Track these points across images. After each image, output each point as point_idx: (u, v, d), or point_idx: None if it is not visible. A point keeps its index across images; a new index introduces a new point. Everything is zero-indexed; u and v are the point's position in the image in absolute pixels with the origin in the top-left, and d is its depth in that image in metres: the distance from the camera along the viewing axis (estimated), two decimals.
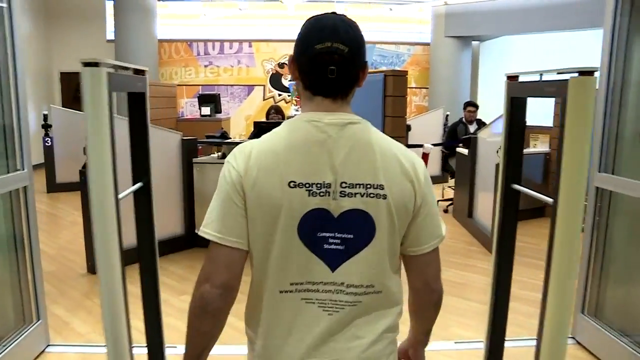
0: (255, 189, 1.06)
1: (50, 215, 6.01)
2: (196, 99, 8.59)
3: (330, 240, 1.09)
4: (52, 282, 3.73)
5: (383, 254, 1.12)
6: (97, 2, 9.97)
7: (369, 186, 1.07)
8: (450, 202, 6.14)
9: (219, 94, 7.78)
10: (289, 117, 5.26)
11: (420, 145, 5.34)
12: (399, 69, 9.76)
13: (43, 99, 10.10)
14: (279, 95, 9.94)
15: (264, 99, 10.00)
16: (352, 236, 1.09)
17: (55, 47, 10.35)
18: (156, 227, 1.93)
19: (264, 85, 9.98)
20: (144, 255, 1.92)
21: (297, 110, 8.89)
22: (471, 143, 5.26)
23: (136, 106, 1.83)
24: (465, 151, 5.50)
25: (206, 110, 7.30)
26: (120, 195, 1.47)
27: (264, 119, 5.41)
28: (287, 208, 1.06)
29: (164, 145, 4.23)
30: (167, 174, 4.25)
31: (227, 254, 1.08)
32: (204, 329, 1.11)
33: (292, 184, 1.06)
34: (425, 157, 5.31)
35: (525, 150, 5.55)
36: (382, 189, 1.08)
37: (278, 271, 1.10)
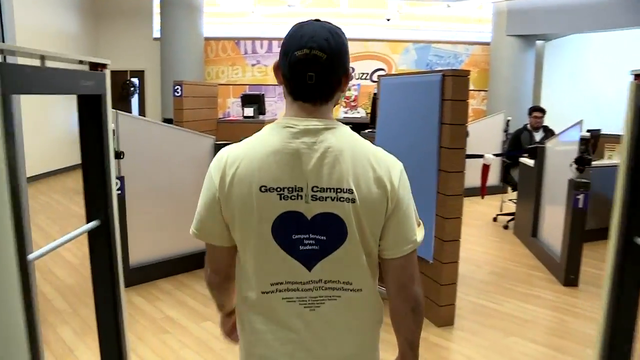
0: (228, 196, 1.16)
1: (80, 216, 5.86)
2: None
3: (305, 242, 1.17)
4: (68, 297, 3.54)
5: (358, 253, 1.19)
6: (145, 1, 10.05)
7: (339, 190, 1.14)
8: (511, 217, 5.64)
9: (263, 94, 7.55)
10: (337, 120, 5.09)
11: (480, 156, 4.97)
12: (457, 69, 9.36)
13: None
14: None
15: None
16: (324, 238, 1.17)
17: (103, 46, 10.47)
18: (122, 264, 1.60)
19: None
20: (101, 311, 1.53)
21: (346, 113, 8.71)
22: (538, 153, 4.83)
23: (88, 115, 1.36)
24: (530, 162, 5.04)
25: (249, 111, 7.09)
26: (60, 241, 1.14)
27: None
28: (258, 212, 1.15)
29: (194, 150, 4.01)
30: (197, 180, 3.71)
31: (212, 249, 1.26)
32: (215, 296, 1.39)
33: (263, 189, 1.14)
34: (485, 169, 4.95)
35: (599, 163, 5.08)
36: (352, 193, 1.14)
37: (258, 272, 1.20)
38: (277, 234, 1.16)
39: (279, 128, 1.17)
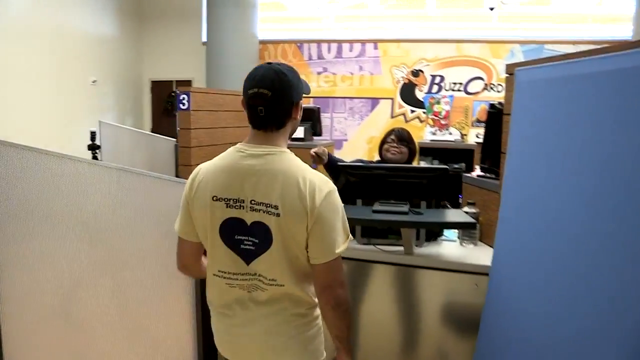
0: (194, 201, 1.76)
1: None
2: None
3: (245, 242, 1.73)
4: None
5: (282, 255, 1.71)
6: (194, 0, 9.47)
7: (268, 205, 1.67)
8: None
9: (319, 109, 6.26)
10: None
11: None
12: None
13: (130, 111, 9.99)
14: (412, 111, 8.68)
15: (392, 116, 8.78)
16: (258, 241, 1.71)
17: (146, 52, 9.99)
18: None
19: (392, 99, 8.80)
20: None
21: (434, 134, 7.81)
22: None
23: None
24: None
25: (299, 132, 5.68)
26: None
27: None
28: (211, 216, 1.73)
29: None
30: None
31: (181, 244, 1.87)
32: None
33: (214, 198, 1.71)
34: None
35: None
36: (277, 208, 1.66)
37: (211, 260, 1.81)
38: (224, 234, 1.74)
39: (234, 151, 1.75)
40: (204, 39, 8.87)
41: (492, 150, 3.00)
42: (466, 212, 2.79)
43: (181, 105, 4.79)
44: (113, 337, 2.62)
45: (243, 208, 1.69)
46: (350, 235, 1.79)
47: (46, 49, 7.76)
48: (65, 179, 2.57)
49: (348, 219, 1.77)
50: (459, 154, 7.14)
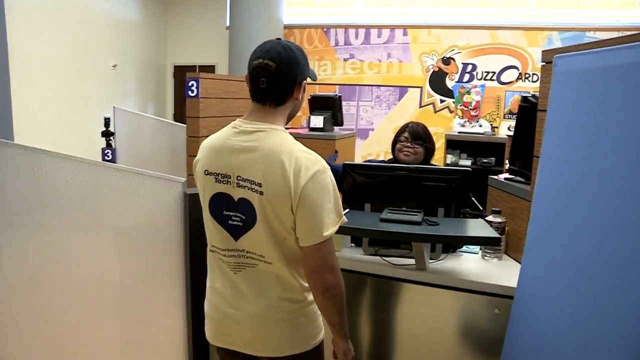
0: (196, 174, 1.81)
1: None
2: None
3: (233, 218, 1.71)
4: None
5: (267, 234, 1.67)
6: None
7: (252, 182, 1.65)
8: None
9: (340, 97, 5.74)
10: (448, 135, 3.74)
11: None
12: None
13: (152, 97, 9.74)
14: (441, 101, 8.23)
15: (421, 106, 8.31)
16: (245, 217, 1.69)
17: (170, 36, 9.72)
18: None
19: (421, 87, 8.30)
20: None
21: (462, 125, 7.33)
22: None
23: None
24: None
25: (317, 121, 5.42)
26: None
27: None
28: (203, 189, 1.77)
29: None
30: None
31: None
32: None
33: (206, 172, 1.74)
34: None
35: None
36: (260, 186, 1.63)
37: (206, 234, 1.83)
38: (213, 208, 1.75)
39: (230, 127, 1.75)
40: (229, 23, 8.55)
41: (523, 150, 2.58)
42: (490, 222, 2.40)
43: (190, 93, 4.46)
44: (105, 345, 2.64)
45: (230, 183, 1.68)
46: (344, 217, 1.71)
47: (68, 32, 7.55)
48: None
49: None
50: (489, 148, 6.68)
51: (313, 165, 1.63)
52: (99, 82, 8.18)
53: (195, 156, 4.23)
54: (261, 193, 1.63)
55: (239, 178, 1.67)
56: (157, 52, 9.64)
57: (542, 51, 2.15)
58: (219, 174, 1.71)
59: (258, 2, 7.86)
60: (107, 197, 2.56)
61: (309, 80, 1.88)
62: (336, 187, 1.70)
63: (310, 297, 1.77)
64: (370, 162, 3.02)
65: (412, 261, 2.30)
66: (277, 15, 8.10)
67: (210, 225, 1.78)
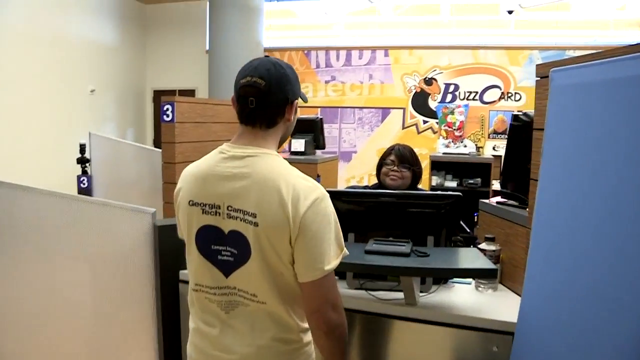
0: (178, 205, 1.62)
1: None
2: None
3: (223, 253, 1.53)
4: None
5: (262, 270, 1.48)
6: (199, 8, 9.00)
7: (245, 212, 1.47)
8: None
9: (321, 119, 5.70)
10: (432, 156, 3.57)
11: None
12: None
13: (131, 122, 9.49)
14: (424, 122, 8.13)
15: (404, 127, 8.20)
16: (237, 251, 1.51)
17: (149, 60, 9.56)
18: None
19: (404, 108, 8.19)
20: None
21: (447, 146, 7.19)
22: None
23: None
24: None
25: (299, 145, 5.32)
26: None
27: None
28: (188, 222, 1.56)
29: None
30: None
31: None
32: None
33: (191, 202, 1.55)
34: None
35: None
36: (255, 217, 1.45)
37: (190, 272, 1.63)
38: (199, 243, 1.56)
39: (216, 152, 1.57)
40: (208, 47, 8.41)
41: (515, 171, 2.42)
42: (483, 250, 2.21)
43: (165, 117, 4.25)
44: None
45: (219, 215, 1.51)
46: (345, 249, 1.54)
47: (43, 56, 7.33)
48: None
49: None
50: (475, 168, 6.53)
51: (312, 192, 1.46)
52: (77, 108, 7.95)
53: (173, 183, 4.03)
54: (256, 224, 1.46)
55: (229, 208, 1.49)
56: (136, 77, 9.43)
57: (537, 65, 1.99)
58: (206, 204, 1.53)
59: (238, 26, 7.72)
60: (78, 229, 2.57)
61: (318, 100, 1.72)
62: (336, 216, 1.52)
63: (307, 338, 1.60)
64: (354, 187, 2.82)
65: (401, 295, 2.10)
66: (257, 38, 7.97)
67: (196, 262, 1.59)
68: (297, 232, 1.43)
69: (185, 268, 2.65)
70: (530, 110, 2.34)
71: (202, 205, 1.53)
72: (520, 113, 2.39)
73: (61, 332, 2.64)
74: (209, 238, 1.54)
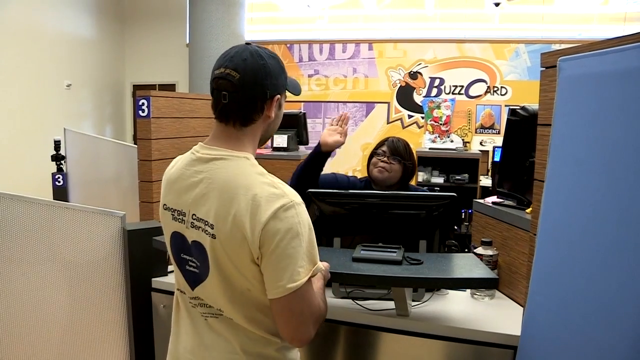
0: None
1: None
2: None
3: (190, 263, 1.39)
4: None
5: (223, 287, 1.33)
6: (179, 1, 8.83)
7: (205, 222, 1.31)
8: None
9: (304, 114, 5.52)
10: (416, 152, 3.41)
11: None
12: None
13: (110, 117, 9.23)
14: (409, 116, 8.05)
15: (389, 122, 8.10)
16: (198, 263, 1.37)
17: (127, 54, 9.31)
18: None
19: (388, 103, 8.11)
20: None
21: (433, 141, 7.03)
22: None
23: None
24: None
25: (281, 141, 5.11)
26: None
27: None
28: (164, 225, 1.46)
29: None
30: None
31: None
32: None
33: (164, 207, 1.43)
34: None
35: None
36: (212, 228, 1.30)
37: (175, 273, 1.49)
38: (173, 249, 1.45)
39: (189, 153, 1.41)
40: (188, 40, 8.17)
41: (512, 169, 2.24)
42: (480, 255, 2.04)
43: (140, 112, 4.04)
44: None
45: (184, 222, 1.38)
46: (319, 264, 1.35)
47: (17, 49, 7.04)
48: None
49: None
50: (462, 164, 6.36)
51: (275, 200, 1.25)
52: (52, 103, 7.67)
53: (149, 181, 3.82)
54: (213, 236, 1.29)
55: (194, 217, 1.35)
56: (114, 71, 9.15)
57: (542, 54, 1.81)
58: (174, 210, 1.40)
59: (219, 19, 7.50)
60: (45, 233, 2.46)
61: (291, 96, 1.51)
62: (310, 225, 1.32)
63: (292, 355, 1.44)
64: (335, 177, 2.60)
65: (392, 304, 1.92)
66: (238, 31, 7.75)
67: (174, 266, 1.47)
68: (257, 247, 1.25)
69: (158, 275, 2.50)
70: (529, 104, 2.16)
71: (172, 210, 1.41)
72: (518, 107, 2.21)
73: (31, 339, 2.51)
74: (178, 246, 1.42)
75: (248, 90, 1.31)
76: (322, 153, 2.39)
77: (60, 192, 5.35)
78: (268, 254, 1.25)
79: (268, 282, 1.28)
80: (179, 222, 1.38)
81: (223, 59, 1.34)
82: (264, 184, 1.28)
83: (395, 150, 2.54)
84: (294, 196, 1.30)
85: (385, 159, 2.52)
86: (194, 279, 1.39)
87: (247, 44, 1.37)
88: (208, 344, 1.40)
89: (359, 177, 2.74)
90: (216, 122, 1.38)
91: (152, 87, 8.95)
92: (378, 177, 2.50)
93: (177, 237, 1.41)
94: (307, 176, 2.39)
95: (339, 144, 2.39)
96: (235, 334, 1.37)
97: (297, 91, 1.51)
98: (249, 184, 1.28)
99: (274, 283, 1.27)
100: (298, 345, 1.39)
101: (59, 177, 5.47)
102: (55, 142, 5.56)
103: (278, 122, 1.47)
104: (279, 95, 1.39)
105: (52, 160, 5.55)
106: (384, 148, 2.57)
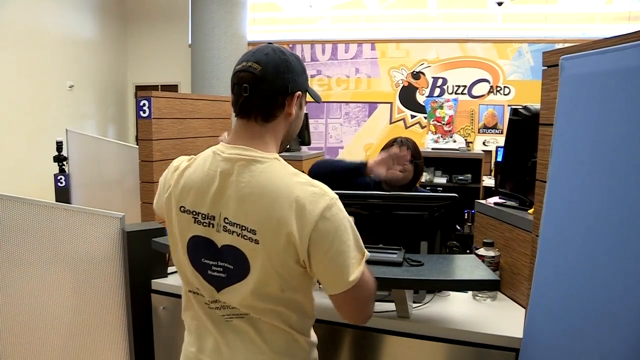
0: (166, 201, 1.41)
1: None
2: None
3: (214, 268, 1.35)
4: None
5: (259, 290, 1.30)
6: (181, 0, 8.70)
7: (243, 228, 1.28)
8: None
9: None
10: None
11: None
12: None
13: (112, 118, 9.23)
14: (412, 117, 8.02)
15: (391, 122, 8.05)
16: (232, 267, 1.33)
17: (130, 55, 9.30)
18: None
19: (391, 103, 8.03)
20: None
21: (436, 141, 7.01)
22: None
23: None
24: None
25: None
26: None
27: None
28: (177, 229, 1.39)
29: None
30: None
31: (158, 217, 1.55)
32: None
33: (182, 209, 1.36)
34: None
35: None
36: (255, 233, 1.27)
37: (181, 276, 1.46)
38: (190, 253, 1.38)
39: (211, 152, 1.36)
40: (190, 40, 8.17)
41: (514, 169, 2.22)
42: (482, 256, 2.01)
43: (141, 113, 4.03)
44: None
45: (213, 226, 1.33)
46: (366, 252, 1.35)
47: (19, 51, 7.03)
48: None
49: None
50: (465, 164, 6.35)
51: (319, 199, 1.25)
52: (55, 104, 7.67)
53: (151, 182, 3.76)
54: (257, 242, 1.27)
55: (226, 220, 1.30)
56: (117, 72, 9.14)
57: (543, 53, 1.78)
58: (199, 213, 1.34)
59: (221, 19, 7.48)
60: (48, 234, 2.46)
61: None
62: (350, 218, 1.32)
63: (314, 355, 1.50)
64: (334, 173, 2.57)
65: (392, 306, 1.90)
66: (240, 31, 7.73)
67: (187, 270, 1.41)
68: (306, 250, 1.26)
69: (157, 277, 2.48)
70: (531, 104, 2.14)
71: (194, 213, 1.35)
72: (520, 107, 2.19)
73: (33, 340, 2.51)
74: (199, 250, 1.37)
75: (270, 83, 1.30)
76: (362, 172, 2.38)
77: (63, 193, 5.34)
78: (321, 255, 1.26)
79: (327, 281, 1.30)
80: (206, 225, 1.33)
81: (245, 56, 1.35)
82: (302, 184, 1.28)
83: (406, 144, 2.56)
84: (331, 191, 1.31)
85: None
86: (220, 283, 1.36)
87: (269, 43, 1.38)
88: (232, 346, 1.38)
89: None
90: (238, 119, 1.37)
91: (154, 87, 8.95)
92: (399, 178, 2.42)
93: (199, 242, 1.36)
94: (334, 178, 2.33)
95: (382, 176, 2.35)
96: (262, 334, 1.37)
97: (317, 98, 1.52)
98: (288, 186, 1.27)
99: (334, 281, 1.29)
100: (363, 323, 1.45)
101: (61, 178, 5.47)
102: (57, 143, 5.57)
103: (299, 124, 1.46)
104: (299, 93, 1.38)
105: (55, 161, 5.57)
106: (395, 149, 2.54)
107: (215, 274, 1.35)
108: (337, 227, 1.26)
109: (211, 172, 1.32)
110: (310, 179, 1.32)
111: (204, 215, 1.33)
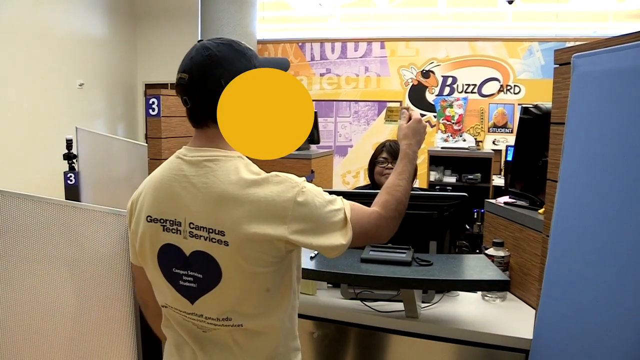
0: (136, 221, 1.35)
1: None
2: None
3: (184, 278, 1.29)
4: None
5: (238, 292, 1.26)
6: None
7: (210, 230, 1.22)
8: None
9: (315, 113, 5.45)
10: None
11: None
12: None
13: (122, 116, 9.27)
14: (422, 115, 8.05)
15: None
16: (201, 276, 1.27)
17: (140, 53, 9.36)
18: None
19: (400, 102, 7.98)
20: None
21: (445, 140, 6.98)
22: None
23: None
24: None
25: None
26: None
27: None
28: (146, 240, 1.32)
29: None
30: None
31: (137, 274, 1.52)
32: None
33: (149, 218, 1.31)
34: None
35: None
36: (223, 235, 1.21)
37: (155, 291, 1.39)
38: (161, 264, 1.32)
39: (174, 157, 1.33)
40: (200, 38, 8.18)
41: (525, 168, 2.20)
42: (491, 256, 2.00)
43: (151, 111, 4.10)
44: None
45: (180, 233, 1.27)
46: (343, 201, 1.35)
47: (29, 49, 7.06)
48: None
49: (326, 272, 1.47)
50: (474, 163, 6.32)
51: (287, 192, 1.23)
52: (65, 102, 7.70)
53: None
54: (226, 243, 1.21)
55: (192, 225, 1.25)
56: (126, 70, 9.17)
57: (555, 50, 1.76)
58: (166, 220, 1.28)
59: (230, 17, 7.50)
60: (56, 231, 2.34)
61: (313, 93, 1.44)
62: (319, 189, 1.31)
63: (298, 357, 1.42)
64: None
65: (401, 305, 1.89)
66: (250, 30, 7.74)
67: (161, 284, 1.35)
68: (284, 242, 1.23)
69: None
70: (542, 103, 2.12)
71: (162, 221, 1.29)
72: (531, 105, 2.17)
73: (39, 337, 2.46)
74: (169, 259, 1.31)
75: (200, 87, 1.26)
76: None
77: (72, 191, 5.36)
78: (303, 237, 1.23)
79: (326, 250, 1.28)
80: (173, 232, 1.28)
81: (180, 64, 1.32)
82: (267, 182, 1.24)
83: (396, 154, 2.51)
84: (296, 177, 1.29)
85: (389, 165, 2.52)
86: (193, 294, 1.30)
87: (199, 41, 1.34)
88: (210, 357, 1.35)
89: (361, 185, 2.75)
90: (194, 129, 1.35)
91: (164, 86, 8.96)
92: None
93: (168, 251, 1.30)
94: None
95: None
96: (240, 344, 1.32)
97: (285, 64, 1.43)
98: (255, 182, 1.23)
99: (330, 251, 1.28)
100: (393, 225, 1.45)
101: (70, 176, 5.50)
102: (67, 140, 5.59)
103: None
104: None
105: (64, 159, 5.58)
106: (384, 155, 2.57)
107: (187, 284, 1.29)
108: (310, 212, 1.24)
109: (174, 177, 1.29)
110: (273, 174, 1.27)
111: (171, 222, 1.28)
